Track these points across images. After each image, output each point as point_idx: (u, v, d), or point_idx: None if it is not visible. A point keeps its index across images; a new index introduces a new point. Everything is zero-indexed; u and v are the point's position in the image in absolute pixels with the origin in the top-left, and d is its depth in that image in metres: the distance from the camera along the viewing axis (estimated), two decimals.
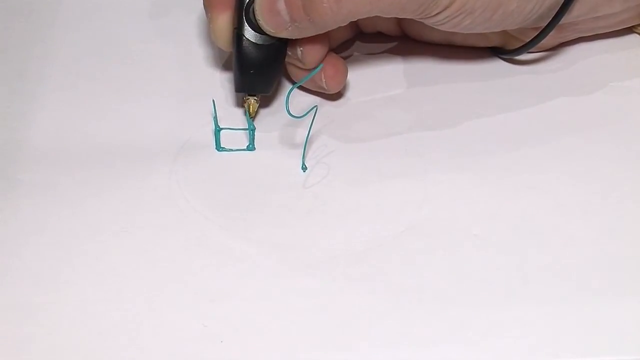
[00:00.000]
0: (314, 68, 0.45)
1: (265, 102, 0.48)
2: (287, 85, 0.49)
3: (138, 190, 0.44)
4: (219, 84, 0.49)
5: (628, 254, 0.41)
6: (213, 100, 0.46)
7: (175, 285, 0.40)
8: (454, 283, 0.40)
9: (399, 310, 0.39)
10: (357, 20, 0.49)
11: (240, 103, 0.47)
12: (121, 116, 0.48)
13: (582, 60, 0.51)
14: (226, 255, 0.41)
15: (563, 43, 0.51)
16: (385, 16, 0.44)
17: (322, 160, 0.46)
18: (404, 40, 0.51)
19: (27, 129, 0.47)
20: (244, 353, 0.38)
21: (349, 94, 0.49)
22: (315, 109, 0.44)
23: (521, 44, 0.48)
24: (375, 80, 0.50)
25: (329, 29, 0.44)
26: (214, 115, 0.46)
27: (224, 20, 0.45)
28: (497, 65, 0.50)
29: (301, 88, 0.48)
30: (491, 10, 0.44)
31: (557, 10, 0.45)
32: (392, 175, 0.45)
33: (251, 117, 0.46)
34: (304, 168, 0.45)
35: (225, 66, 0.50)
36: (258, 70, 0.45)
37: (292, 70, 0.47)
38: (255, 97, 0.46)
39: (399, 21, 0.50)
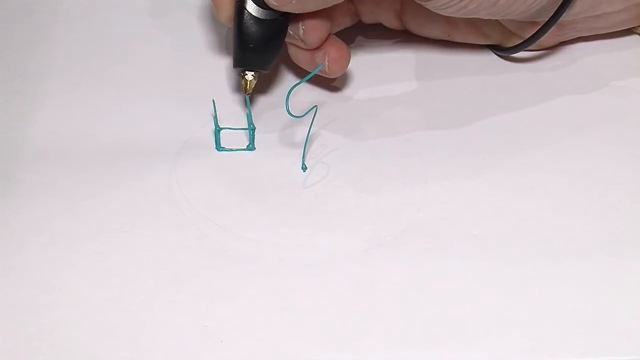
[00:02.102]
0: (315, 67, 0.45)
1: (265, 101, 0.48)
2: (287, 84, 0.49)
3: (138, 190, 0.44)
4: (219, 84, 0.49)
5: (628, 254, 0.41)
6: (213, 100, 0.46)
7: (176, 285, 0.40)
8: (454, 283, 0.40)
9: (399, 310, 0.39)
10: (358, 9, 0.49)
11: (238, 85, 0.47)
12: (121, 116, 0.48)
13: (581, 59, 0.51)
14: (226, 255, 0.41)
15: (562, 42, 0.51)
16: None
17: (322, 160, 0.46)
18: (404, 35, 0.51)
19: (27, 129, 0.47)
20: (244, 353, 0.38)
21: (349, 92, 0.49)
22: (315, 108, 0.44)
23: (520, 41, 0.48)
24: (375, 79, 0.50)
25: (334, 2, 0.44)
26: (214, 115, 0.46)
27: None
28: (498, 64, 0.50)
29: (302, 78, 0.48)
30: None
31: (559, 4, 0.45)
32: (392, 174, 0.45)
33: (248, 94, 0.46)
34: (304, 168, 0.45)
35: (226, 66, 0.50)
36: (258, 45, 0.45)
37: (293, 52, 0.47)
38: (253, 73, 0.46)
39: (400, 14, 0.50)
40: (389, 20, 0.50)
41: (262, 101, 0.48)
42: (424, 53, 0.51)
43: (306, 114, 0.44)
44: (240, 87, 0.47)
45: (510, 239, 0.42)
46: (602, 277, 0.40)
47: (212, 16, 0.46)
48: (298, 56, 0.47)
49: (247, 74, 0.46)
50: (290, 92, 0.43)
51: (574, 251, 0.41)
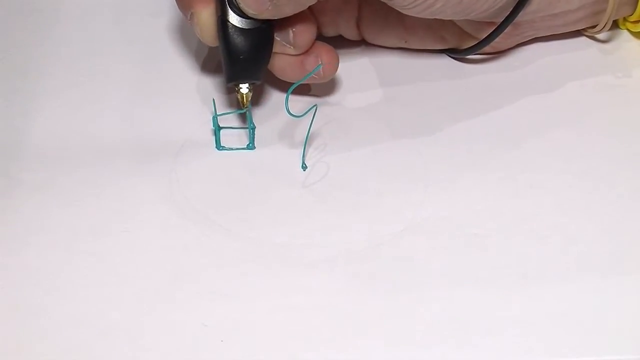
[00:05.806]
0: (313, 68, 0.45)
1: (265, 101, 0.48)
2: (286, 84, 0.48)
3: (138, 189, 0.44)
4: (219, 83, 0.49)
5: (628, 253, 0.41)
6: (213, 99, 0.46)
7: (175, 284, 0.40)
8: (454, 283, 0.40)
9: (399, 310, 0.39)
10: (319, 21, 0.49)
11: (234, 99, 0.47)
12: (121, 116, 0.48)
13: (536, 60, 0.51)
14: (226, 254, 0.41)
15: (519, 44, 0.50)
16: None
17: (322, 159, 0.46)
18: (365, 44, 0.51)
19: (27, 129, 0.47)
20: (244, 353, 0.38)
21: (349, 92, 0.49)
22: (314, 108, 0.44)
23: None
24: (375, 79, 0.50)
25: (310, 4, 0.43)
26: (214, 114, 0.46)
27: (209, 13, 0.44)
28: (498, 65, 0.50)
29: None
30: None
31: (516, 3, 0.45)
32: (392, 174, 0.45)
33: (245, 107, 0.45)
34: (304, 167, 0.45)
35: None
36: (247, 55, 0.44)
37: (280, 64, 0.46)
38: (247, 86, 0.45)
39: (358, 24, 0.49)
40: (349, 31, 0.50)
41: (262, 100, 0.48)
42: (425, 53, 0.51)
43: (306, 113, 0.43)
44: (236, 103, 0.46)
45: (510, 238, 0.42)
46: (601, 276, 0.40)
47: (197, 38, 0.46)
48: (286, 66, 0.46)
49: (241, 87, 0.45)
50: (290, 91, 0.43)
51: (574, 250, 0.41)
